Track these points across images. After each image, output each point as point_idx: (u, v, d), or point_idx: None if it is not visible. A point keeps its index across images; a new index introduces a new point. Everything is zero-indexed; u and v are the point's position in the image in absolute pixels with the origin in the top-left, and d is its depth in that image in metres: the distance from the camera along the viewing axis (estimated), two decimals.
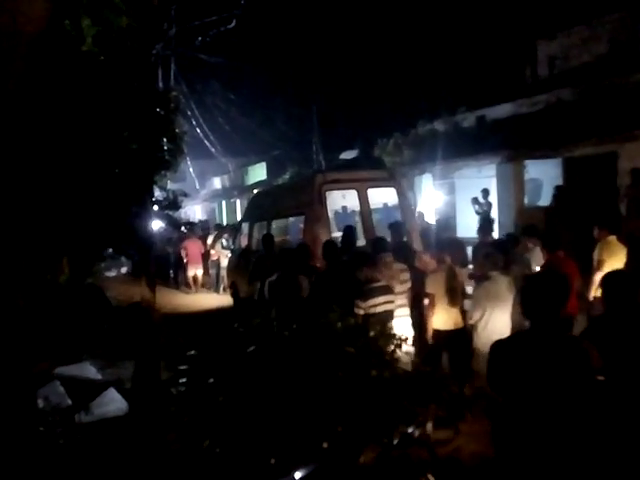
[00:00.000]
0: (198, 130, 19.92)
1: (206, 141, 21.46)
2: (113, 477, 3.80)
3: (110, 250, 7.48)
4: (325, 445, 2.94)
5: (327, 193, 8.21)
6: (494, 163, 11.98)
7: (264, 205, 10.44)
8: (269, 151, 26.62)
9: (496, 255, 5.18)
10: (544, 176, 11.87)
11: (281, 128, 23.44)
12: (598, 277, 5.99)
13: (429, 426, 3.17)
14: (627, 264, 6.18)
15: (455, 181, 14.77)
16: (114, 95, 5.99)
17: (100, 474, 3.79)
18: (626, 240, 6.84)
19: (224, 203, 28.78)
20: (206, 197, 31.19)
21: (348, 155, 21.69)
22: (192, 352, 3.60)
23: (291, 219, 9.43)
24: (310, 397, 3.00)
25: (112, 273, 15.94)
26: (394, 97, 20.92)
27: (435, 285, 5.43)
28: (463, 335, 5.22)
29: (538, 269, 6.12)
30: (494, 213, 12.19)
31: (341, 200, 10.34)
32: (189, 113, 18.11)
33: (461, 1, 19.50)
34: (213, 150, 22.76)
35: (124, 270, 16.69)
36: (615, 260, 6.02)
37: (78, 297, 6.82)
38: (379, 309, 5.07)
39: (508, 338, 2.99)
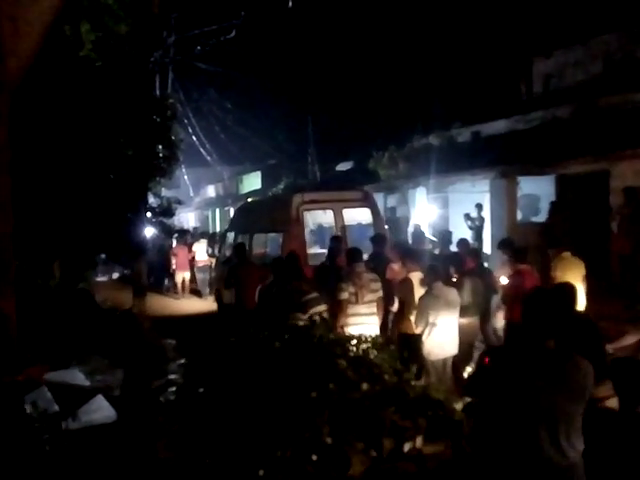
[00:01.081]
0: (194, 138, 19.97)
1: (202, 149, 21.52)
2: None
3: (102, 255, 7.45)
4: (315, 457, 2.93)
5: (304, 213, 8.95)
6: (488, 178, 12.05)
7: (248, 218, 11.01)
8: (264, 160, 26.68)
9: (439, 267, 5.58)
10: (537, 192, 11.95)
11: (277, 138, 23.54)
12: None
13: (419, 440, 3.16)
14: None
15: (449, 195, 14.83)
16: (111, 101, 6.00)
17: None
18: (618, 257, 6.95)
19: (217, 211, 28.76)
20: (200, 205, 31.17)
21: (343, 167, 21.77)
22: (182, 361, 3.59)
23: (272, 234, 9.96)
24: (300, 408, 2.99)
25: (103, 278, 15.88)
26: (390, 110, 21.05)
27: (405, 292, 5.76)
28: None
29: (504, 280, 6.41)
30: (487, 228, 12.29)
31: (318, 218, 11.06)
32: (185, 121, 18.17)
33: (460, 18, 19.69)
34: (208, 158, 22.83)
35: (115, 275, 16.66)
36: (570, 275, 6.17)
37: (68, 302, 6.77)
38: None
39: (506, 347, 3.13)
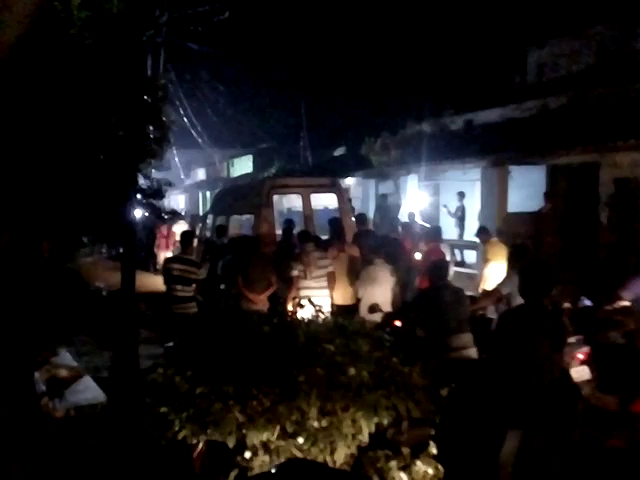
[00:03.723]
0: (185, 120, 19.79)
1: (193, 131, 21.34)
2: (83, 465, 3.77)
3: (91, 236, 7.39)
4: (301, 440, 2.96)
5: (275, 196, 9.80)
6: (479, 167, 12.06)
7: (225, 201, 11.91)
8: (256, 144, 26.53)
9: (375, 249, 6.54)
10: (528, 182, 11.98)
11: (270, 122, 23.41)
12: (485, 272, 7.67)
13: (404, 425, 3.19)
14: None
15: (440, 183, 14.83)
16: (102, 80, 5.92)
17: (70, 461, 3.76)
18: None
19: (208, 194, 28.62)
20: (191, 187, 31.01)
21: (338, 152, 21.72)
22: (170, 344, 3.60)
23: (245, 216, 10.81)
24: (287, 392, 3.01)
25: (92, 257, 15.85)
26: (384, 96, 20.98)
27: (336, 268, 6.71)
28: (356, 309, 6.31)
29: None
30: (472, 216, 12.45)
31: (288, 202, 12.28)
32: (177, 102, 17.99)
33: (455, 5, 19.59)
34: (200, 140, 22.64)
35: (104, 255, 16.65)
36: (498, 258, 7.08)
37: (56, 282, 6.74)
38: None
39: (514, 310, 3.96)
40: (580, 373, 4.95)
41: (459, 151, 12.71)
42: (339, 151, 21.75)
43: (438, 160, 13.14)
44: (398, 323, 5.33)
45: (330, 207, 10.92)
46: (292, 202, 11.58)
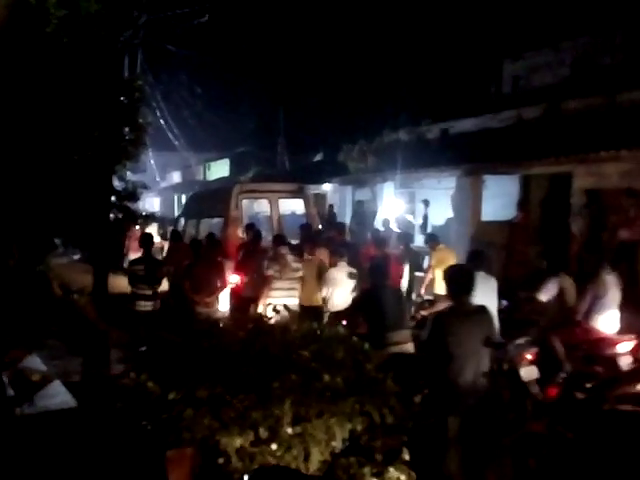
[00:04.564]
0: (162, 122, 19.64)
1: (170, 133, 21.18)
2: (50, 470, 3.69)
3: (62, 238, 7.27)
4: (274, 447, 2.94)
5: (243, 201, 10.26)
6: (454, 176, 12.19)
7: (197, 205, 12.37)
8: (234, 148, 26.43)
9: (341, 250, 7.00)
10: (502, 191, 12.15)
11: (248, 127, 23.35)
12: (427, 278, 8.21)
13: (378, 431, 3.20)
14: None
15: (415, 191, 14.95)
16: (77, 80, 5.85)
17: (36, 467, 3.68)
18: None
19: (184, 197, 28.37)
20: (166, 190, 30.71)
21: (316, 158, 21.77)
22: (143, 348, 3.56)
23: (215, 219, 11.23)
24: (261, 399, 3.00)
25: (64, 260, 15.55)
26: (362, 104, 21.09)
27: (306, 272, 7.00)
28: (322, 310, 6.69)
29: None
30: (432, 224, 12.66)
31: (257, 207, 12.72)
32: (154, 104, 17.84)
33: (434, 17, 19.83)
34: (176, 143, 22.48)
35: (76, 257, 16.35)
36: (446, 261, 7.30)
37: (25, 285, 6.61)
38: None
39: (446, 311, 4.20)
40: (529, 372, 5.44)
41: (435, 160, 12.85)
42: (317, 157, 21.80)
43: (414, 168, 13.25)
44: (344, 322, 5.60)
45: (297, 212, 11.37)
46: (261, 207, 12.06)
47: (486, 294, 5.32)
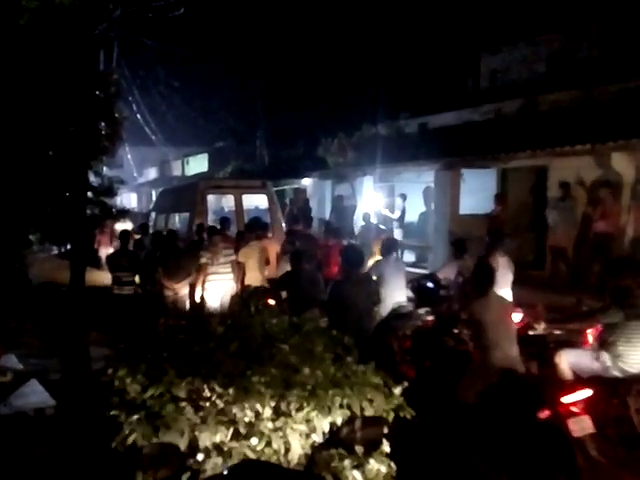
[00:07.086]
0: (139, 116, 19.41)
1: (147, 128, 20.95)
2: (29, 471, 3.65)
3: (38, 234, 7.15)
4: (254, 442, 2.94)
5: (208, 196, 11.02)
6: (433, 169, 12.26)
7: (166, 200, 13.01)
8: (212, 143, 26.22)
9: (289, 244, 7.88)
10: (481, 185, 12.26)
11: (226, 121, 23.18)
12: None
13: (358, 423, 3.21)
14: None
15: (395, 185, 15.01)
16: (52, 74, 5.75)
17: (15, 468, 3.63)
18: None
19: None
20: (143, 185, 30.36)
21: (295, 153, 21.70)
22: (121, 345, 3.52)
23: (183, 214, 11.81)
24: (241, 392, 2.99)
25: (42, 255, 15.32)
26: (341, 98, 21.08)
27: (246, 257, 7.80)
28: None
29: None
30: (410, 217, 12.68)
31: (221, 202, 13.61)
32: (131, 98, 17.62)
33: (412, 10, 19.87)
34: (153, 138, 22.25)
35: (54, 252, 16.11)
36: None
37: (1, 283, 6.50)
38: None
39: (340, 280, 5.50)
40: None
41: (413, 154, 12.91)
42: (296, 151, 21.74)
43: (393, 162, 13.30)
44: (271, 301, 6.16)
45: (261, 207, 12.15)
46: (228, 202, 12.78)
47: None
